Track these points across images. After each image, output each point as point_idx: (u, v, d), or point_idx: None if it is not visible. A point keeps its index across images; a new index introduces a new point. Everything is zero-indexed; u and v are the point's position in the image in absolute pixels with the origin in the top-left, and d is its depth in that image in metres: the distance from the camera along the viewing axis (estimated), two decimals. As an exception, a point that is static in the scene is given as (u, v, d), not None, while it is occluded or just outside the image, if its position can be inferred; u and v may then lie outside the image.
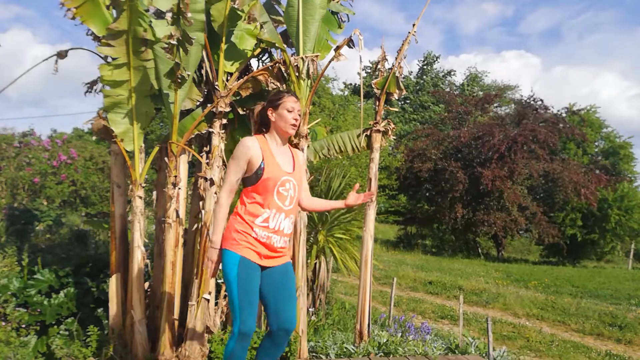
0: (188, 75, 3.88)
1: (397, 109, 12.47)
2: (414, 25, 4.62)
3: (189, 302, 4.09)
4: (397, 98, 4.85)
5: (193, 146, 4.47)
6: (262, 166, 2.47)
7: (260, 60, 5.02)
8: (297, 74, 4.17)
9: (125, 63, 3.98)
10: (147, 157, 4.28)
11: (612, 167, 23.25)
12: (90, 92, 4.49)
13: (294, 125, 2.59)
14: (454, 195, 20.89)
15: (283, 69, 4.20)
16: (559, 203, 21.58)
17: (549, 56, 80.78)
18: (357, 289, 4.67)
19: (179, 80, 3.80)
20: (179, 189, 4.10)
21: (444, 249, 23.28)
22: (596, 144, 26.08)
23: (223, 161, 4.21)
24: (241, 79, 4.27)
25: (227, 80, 4.27)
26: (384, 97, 4.69)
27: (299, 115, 2.64)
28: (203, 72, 4.42)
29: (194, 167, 4.74)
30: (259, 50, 4.54)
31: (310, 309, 5.55)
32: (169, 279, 4.03)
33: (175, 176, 4.08)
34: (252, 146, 2.50)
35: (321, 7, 4.24)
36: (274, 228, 2.50)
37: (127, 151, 4.18)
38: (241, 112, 4.47)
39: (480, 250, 23.46)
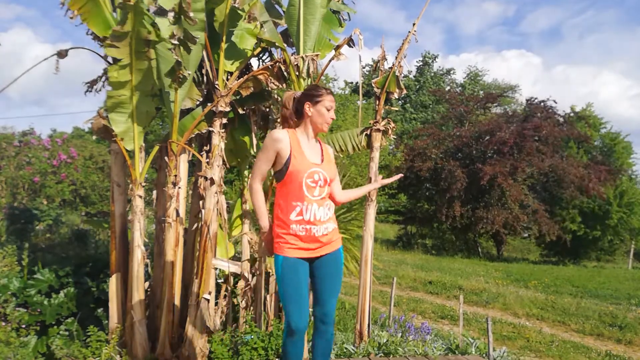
0: (188, 74, 3.87)
1: (397, 108, 12.46)
2: (414, 24, 4.61)
3: (189, 302, 4.09)
4: (397, 97, 4.84)
5: (193, 145, 4.47)
6: (290, 158, 2.51)
7: (260, 60, 5.01)
8: (297, 73, 4.16)
9: (128, 64, 3.97)
10: (147, 156, 4.27)
11: (611, 163, 23.21)
12: (91, 91, 4.48)
13: (329, 123, 2.66)
14: (452, 194, 20.90)
15: (283, 68, 4.19)
16: (563, 200, 21.60)
17: (550, 56, 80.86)
18: (357, 289, 4.66)
19: (180, 80, 3.80)
20: (179, 188, 4.10)
21: (444, 249, 23.28)
22: (595, 143, 26.07)
23: (223, 160, 4.21)
24: (241, 78, 4.26)
25: (227, 79, 4.27)
26: (384, 96, 4.68)
27: (334, 112, 2.71)
28: (203, 71, 4.42)
29: (194, 166, 4.73)
30: (259, 49, 4.53)
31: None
32: (169, 279, 4.03)
33: (175, 175, 4.08)
34: (281, 138, 2.53)
35: (322, 6, 4.23)
36: (309, 219, 2.53)
37: (127, 150, 4.17)
38: (241, 112, 4.47)
39: (480, 250, 23.47)
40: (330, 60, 4.36)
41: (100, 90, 4.51)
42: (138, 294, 4.06)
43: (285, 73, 4.22)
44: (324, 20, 4.39)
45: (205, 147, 4.40)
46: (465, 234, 23.32)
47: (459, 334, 4.94)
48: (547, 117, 21.84)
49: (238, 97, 4.37)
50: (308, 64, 4.15)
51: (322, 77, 4.88)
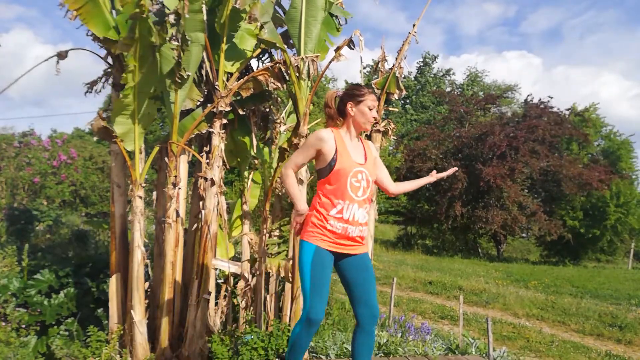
0: (188, 75, 3.88)
1: (397, 109, 12.47)
2: (414, 25, 4.62)
3: (189, 302, 4.09)
4: (397, 98, 4.85)
5: (193, 146, 4.47)
6: (335, 157, 2.53)
7: (260, 61, 5.02)
8: (297, 74, 4.17)
9: (133, 69, 3.97)
10: (147, 157, 4.28)
11: (611, 165, 23.23)
12: (91, 92, 4.49)
13: (371, 122, 2.66)
14: (452, 194, 20.92)
15: (283, 69, 4.20)
16: (561, 199, 21.60)
17: (550, 56, 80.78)
18: (357, 289, 4.66)
19: (179, 80, 3.81)
20: (179, 188, 4.11)
21: (444, 249, 23.27)
22: (596, 143, 26.08)
23: (223, 161, 4.21)
24: (241, 79, 4.27)
25: (227, 80, 4.27)
26: (384, 97, 4.69)
27: (377, 111, 2.69)
28: (203, 72, 4.42)
29: (194, 166, 4.74)
30: (259, 50, 4.54)
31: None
32: (169, 279, 4.03)
33: (175, 176, 4.09)
34: (326, 138, 2.55)
35: (323, 9, 4.26)
36: (348, 219, 2.55)
37: (127, 151, 4.18)
38: (241, 112, 4.47)
39: (480, 250, 23.45)
40: (330, 62, 4.37)
41: (100, 91, 4.52)
42: (138, 294, 4.07)
43: (285, 74, 4.23)
44: (323, 23, 4.40)
45: (205, 148, 4.40)
46: (465, 234, 23.31)
47: (459, 334, 4.94)
48: (541, 115, 21.84)
49: (238, 98, 4.37)
50: (308, 65, 4.16)
51: (322, 78, 4.89)
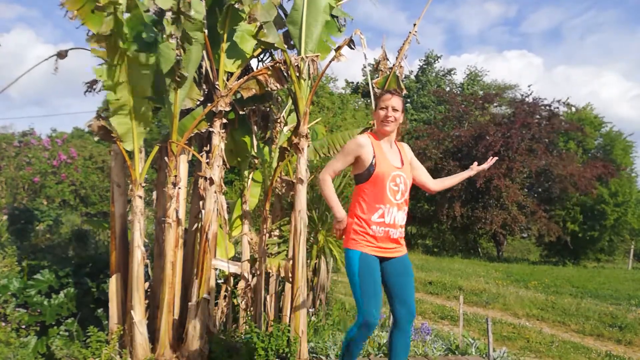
0: (188, 74, 3.87)
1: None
2: (414, 25, 4.61)
3: (189, 303, 4.08)
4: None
5: (193, 146, 4.47)
6: (374, 163, 2.60)
7: (261, 61, 5.01)
8: (297, 74, 4.16)
9: (116, 64, 3.96)
10: (147, 157, 4.27)
11: (611, 162, 23.16)
12: (90, 91, 4.48)
13: (386, 122, 2.67)
14: (452, 194, 20.92)
15: (283, 69, 4.19)
16: (557, 198, 21.58)
17: (551, 56, 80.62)
18: (358, 290, 4.65)
19: (179, 79, 3.80)
20: (179, 188, 4.10)
21: (444, 249, 23.27)
22: (596, 142, 26.00)
23: (223, 160, 4.21)
24: (241, 79, 4.26)
25: (228, 79, 4.27)
26: (385, 97, 4.68)
27: (394, 111, 2.68)
28: (203, 71, 4.42)
29: (194, 166, 4.73)
30: (259, 50, 4.53)
31: (310, 310, 5.55)
32: (169, 279, 4.03)
33: (175, 176, 4.08)
34: (364, 144, 2.63)
35: (324, 12, 4.27)
36: (390, 222, 2.62)
37: (127, 151, 4.17)
38: (241, 112, 4.46)
39: (480, 250, 23.45)
40: (330, 61, 4.36)
41: (99, 90, 4.51)
42: (138, 294, 4.06)
43: (285, 74, 4.22)
44: (324, 24, 4.40)
45: (205, 148, 4.40)
46: (465, 234, 23.31)
47: (459, 335, 4.94)
48: (533, 113, 21.80)
49: (238, 97, 4.37)
50: (308, 64, 4.15)
51: (322, 78, 4.88)
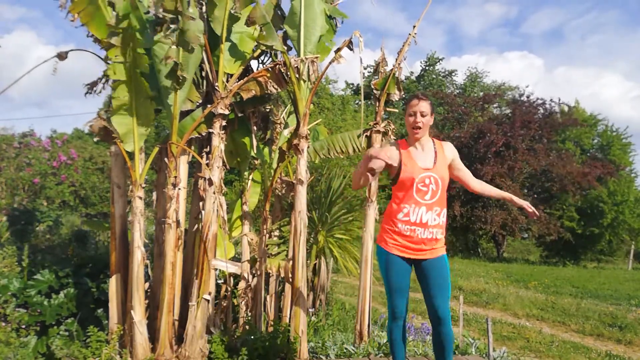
0: (187, 76, 3.88)
1: (397, 110, 12.45)
2: (414, 26, 4.62)
3: (189, 303, 4.09)
4: (397, 99, 4.85)
5: (193, 147, 4.47)
6: (400, 167, 2.72)
7: (260, 62, 5.02)
8: (297, 76, 4.17)
9: (123, 62, 3.97)
10: (147, 158, 4.28)
11: (609, 161, 23.16)
12: (91, 93, 4.49)
13: (414, 128, 2.74)
14: (450, 194, 20.95)
15: (283, 70, 4.20)
16: (557, 198, 21.59)
17: (552, 57, 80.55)
18: (357, 290, 4.67)
19: (180, 80, 3.81)
20: (179, 189, 4.11)
21: (444, 249, 23.23)
22: (594, 141, 25.98)
23: (223, 162, 4.22)
24: (241, 80, 4.27)
25: (227, 81, 4.27)
26: (384, 97, 4.69)
27: (423, 116, 2.74)
28: (203, 73, 4.42)
29: (194, 167, 4.74)
30: (259, 51, 4.54)
31: (310, 310, 5.55)
32: (169, 280, 4.03)
33: (175, 177, 4.09)
34: (392, 156, 2.75)
35: (321, 14, 4.29)
36: (415, 221, 2.70)
37: (127, 152, 4.18)
38: (239, 115, 4.47)
39: (480, 251, 23.45)
40: (330, 63, 4.37)
41: (100, 92, 4.52)
42: (138, 294, 4.07)
43: (285, 75, 4.23)
44: (322, 25, 4.41)
45: (205, 149, 4.40)
46: (465, 234, 23.31)
47: (459, 335, 4.94)
48: (531, 112, 21.83)
49: (238, 98, 4.37)
50: (308, 66, 4.16)
51: (322, 79, 4.89)
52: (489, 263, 19.24)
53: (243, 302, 4.99)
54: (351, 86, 35.41)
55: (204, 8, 4.11)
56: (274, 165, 5.29)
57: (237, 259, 5.61)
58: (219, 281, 5.13)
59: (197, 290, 4.06)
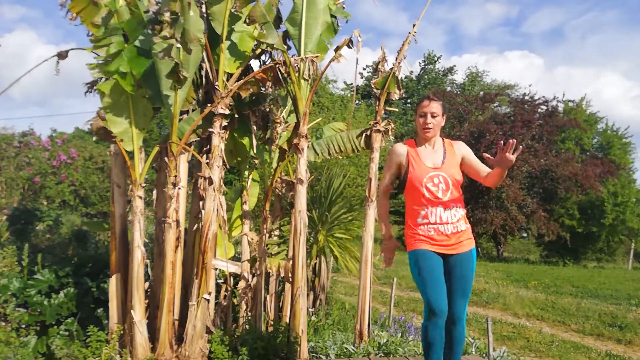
0: (188, 75, 3.87)
1: (397, 109, 12.48)
2: (414, 25, 4.62)
3: (189, 302, 4.09)
4: (397, 98, 4.85)
5: (193, 146, 4.47)
6: (408, 169, 2.71)
7: (261, 61, 5.01)
8: (297, 75, 4.17)
9: (120, 62, 3.97)
10: (147, 157, 4.27)
11: (609, 161, 23.14)
12: (90, 92, 4.48)
13: (426, 128, 2.74)
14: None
15: (283, 69, 4.20)
16: (558, 198, 21.59)
17: (552, 56, 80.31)
18: (357, 289, 4.66)
19: (180, 80, 3.80)
20: (179, 188, 4.10)
21: (443, 249, 23.21)
22: (593, 141, 25.95)
23: (223, 161, 4.21)
24: (241, 80, 4.27)
25: (227, 80, 4.27)
26: (384, 97, 4.69)
27: (433, 117, 2.72)
28: (203, 72, 4.42)
29: (194, 167, 4.74)
30: (259, 50, 4.54)
31: (310, 309, 5.55)
32: (169, 279, 4.03)
33: (175, 176, 4.08)
34: (400, 152, 2.75)
35: (324, 12, 4.28)
36: (435, 221, 2.67)
37: (127, 151, 4.18)
38: (237, 115, 4.46)
39: (480, 250, 23.43)
40: (330, 62, 4.37)
41: (96, 90, 4.51)
42: (138, 294, 4.07)
43: (285, 74, 4.23)
44: (323, 24, 4.40)
45: (205, 148, 4.40)
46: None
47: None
48: (534, 112, 21.81)
49: (238, 98, 4.37)
50: (308, 65, 4.16)
51: (322, 79, 4.89)
52: (489, 263, 19.24)
53: (243, 302, 4.99)
54: (350, 86, 35.39)
55: (204, 7, 4.10)
56: (274, 165, 5.28)
57: (237, 258, 5.61)
58: (219, 281, 5.13)
59: (197, 289, 4.05)
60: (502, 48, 73.52)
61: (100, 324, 4.45)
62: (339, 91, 29.53)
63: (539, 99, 22.58)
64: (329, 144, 5.19)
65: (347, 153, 5.10)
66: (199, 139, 4.36)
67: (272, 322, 4.59)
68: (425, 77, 38.85)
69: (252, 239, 5.17)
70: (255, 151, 5.03)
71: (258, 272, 4.70)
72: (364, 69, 35.49)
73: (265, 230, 4.83)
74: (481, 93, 30.19)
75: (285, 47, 4.37)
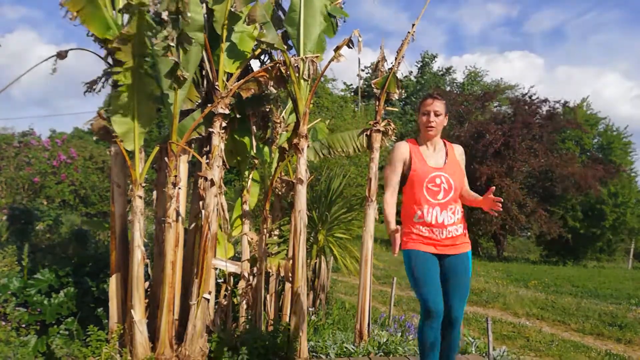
0: (188, 75, 3.88)
1: (397, 109, 12.49)
2: (413, 25, 4.62)
3: (189, 302, 4.09)
4: (397, 98, 4.85)
5: (193, 146, 4.47)
6: (410, 166, 2.68)
7: (260, 62, 5.02)
8: (297, 75, 4.17)
9: (131, 67, 3.98)
10: (147, 157, 4.28)
11: (609, 161, 23.14)
12: (90, 92, 4.49)
13: (428, 127, 2.72)
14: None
15: (283, 69, 4.20)
16: (558, 198, 21.59)
17: (553, 56, 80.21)
18: (357, 289, 4.67)
19: (180, 80, 3.80)
20: (179, 188, 4.11)
21: (443, 249, 23.21)
22: (594, 140, 25.94)
23: (223, 161, 4.21)
24: (241, 80, 4.27)
25: (227, 80, 4.27)
26: (384, 97, 4.69)
27: (436, 116, 2.72)
28: (203, 72, 4.42)
29: (194, 166, 4.74)
30: (259, 50, 4.54)
31: (310, 309, 5.56)
32: (169, 279, 4.03)
33: (175, 176, 4.09)
34: (402, 149, 2.72)
35: (322, 12, 4.28)
36: (431, 222, 2.64)
37: (127, 151, 4.18)
38: (238, 115, 4.47)
39: (480, 250, 23.44)
40: (330, 62, 4.37)
41: (99, 91, 4.52)
42: (138, 293, 4.07)
43: (285, 74, 4.23)
44: (321, 24, 4.40)
45: (205, 148, 4.40)
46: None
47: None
48: (535, 113, 21.80)
49: (238, 98, 4.37)
50: (308, 65, 4.16)
51: (322, 79, 4.89)
52: (489, 262, 19.25)
53: (243, 302, 4.99)
54: (350, 87, 35.37)
55: (204, 7, 4.10)
56: (274, 165, 5.29)
57: (237, 258, 5.61)
58: (219, 280, 5.13)
59: (197, 289, 4.06)
60: (502, 48, 73.55)
61: (100, 324, 4.45)
62: (338, 92, 29.53)
63: (537, 98, 22.57)
64: (330, 143, 5.20)
65: (348, 153, 5.11)
66: (199, 136, 4.36)
67: (272, 322, 4.60)
68: (423, 78, 38.82)
69: (252, 239, 5.17)
70: (255, 151, 5.03)
71: (258, 272, 4.70)
72: (363, 70, 35.57)
73: (265, 230, 4.83)
74: (481, 93, 30.17)
75: (285, 47, 4.37)
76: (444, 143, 2.84)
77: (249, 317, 4.82)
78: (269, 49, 4.59)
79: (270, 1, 4.30)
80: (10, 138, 12.97)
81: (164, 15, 3.54)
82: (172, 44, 3.59)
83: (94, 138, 4.47)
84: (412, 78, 38.78)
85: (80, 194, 12.38)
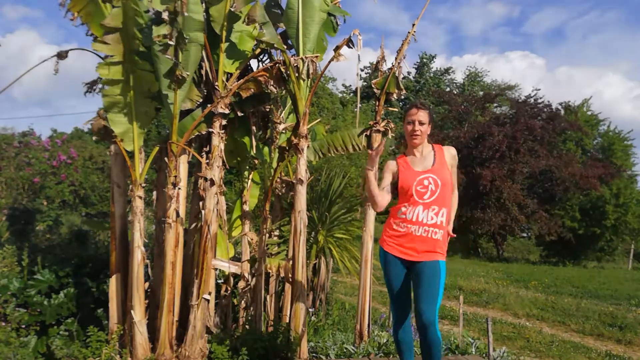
0: (187, 75, 3.88)
1: (397, 109, 12.47)
2: (413, 25, 4.62)
3: (189, 303, 4.09)
4: (397, 98, 4.84)
5: (193, 146, 4.47)
6: (399, 176, 2.81)
7: (260, 61, 5.02)
8: (297, 75, 4.17)
9: (120, 62, 3.97)
10: (147, 157, 4.28)
11: (610, 162, 23.12)
12: (90, 92, 4.49)
13: (414, 136, 2.80)
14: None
15: (283, 69, 4.19)
16: (559, 199, 21.58)
17: (553, 57, 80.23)
18: (357, 289, 4.66)
19: (179, 80, 3.80)
20: (179, 189, 4.10)
21: (443, 249, 23.20)
22: (595, 141, 25.92)
23: (223, 161, 4.21)
24: (241, 80, 4.27)
25: (227, 80, 4.27)
26: (384, 97, 4.69)
27: (421, 124, 2.78)
28: (203, 72, 4.42)
29: (194, 167, 4.74)
30: (258, 50, 4.54)
31: (310, 309, 5.55)
32: (169, 279, 4.03)
33: (175, 176, 4.08)
34: (391, 166, 2.87)
35: (320, 10, 4.27)
36: (411, 219, 2.74)
37: (127, 151, 4.18)
38: (239, 114, 4.47)
39: (480, 250, 23.44)
40: (329, 61, 4.37)
41: (99, 91, 4.51)
42: (138, 294, 4.07)
43: (285, 74, 4.23)
44: (321, 23, 4.40)
45: (205, 148, 4.40)
46: (465, 234, 23.30)
47: (459, 334, 4.94)
48: (536, 115, 21.80)
49: (238, 98, 4.37)
50: (308, 65, 4.16)
51: (322, 79, 4.89)
52: (489, 263, 19.23)
53: (243, 302, 4.99)
54: (349, 87, 35.37)
55: (203, 7, 4.10)
56: (274, 165, 5.28)
57: (237, 258, 5.61)
58: (219, 281, 5.13)
59: (197, 290, 4.05)
60: (503, 48, 73.57)
61: (100, 324, 4.45)
62: (338, 92, 29.53)
63: (542, 102, 22.55)
64: (330, 143, 5.21)
65: (347, 152, 5.12)
66: (199, 137, 4.36)
67: (272, 322, 4.60)
68: (423, 77, 38.83)
69: (252, 239, 5.17)
70: (255, 151, 5.03)
71: (258, 272, 4.70)
72: (362, 70, 35.57)
73: (265, 231, 4.83)
74: (481, 93, 30.15)
75: (285, 47, 4.36)
76: (432, 147, 2.89)
77: (249, 317, 4.81)
78: (268, 49, 4.59)
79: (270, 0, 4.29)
80: (11, 138, 12.97)
81: (164, 15, 3.54)
82: (171, 42, 3.58)
83: (94, 138, 4.47)
84: (411, 78, 38.79)
85: (80, 194, 12.37)
